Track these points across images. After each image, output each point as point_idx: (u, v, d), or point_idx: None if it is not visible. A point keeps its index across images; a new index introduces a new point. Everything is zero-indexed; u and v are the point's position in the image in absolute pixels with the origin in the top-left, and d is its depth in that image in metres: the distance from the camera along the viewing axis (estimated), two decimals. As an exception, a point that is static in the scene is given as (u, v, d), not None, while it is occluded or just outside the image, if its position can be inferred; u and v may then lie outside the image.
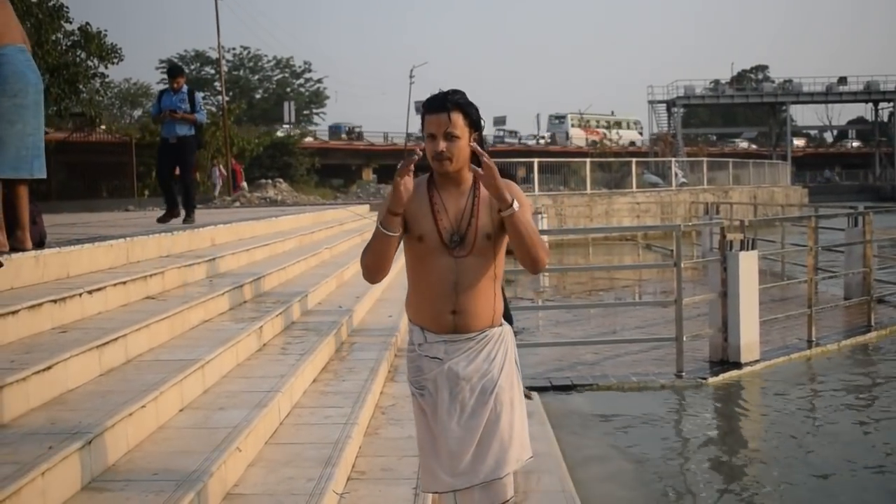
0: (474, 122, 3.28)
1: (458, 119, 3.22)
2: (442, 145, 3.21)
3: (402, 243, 3.34)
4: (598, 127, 72.94)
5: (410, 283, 3.40)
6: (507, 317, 3.97)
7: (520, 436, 3.37)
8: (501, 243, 3.35)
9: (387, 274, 3.39)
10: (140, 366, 4.93)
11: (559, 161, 39.28)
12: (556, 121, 76.32)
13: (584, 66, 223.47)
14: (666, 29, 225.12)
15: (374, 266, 3.32)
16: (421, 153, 3.23)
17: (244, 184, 35.60)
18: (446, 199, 3.31)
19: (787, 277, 16.66)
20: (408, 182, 3.14)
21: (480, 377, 3.32)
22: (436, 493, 3.40)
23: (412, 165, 3.13)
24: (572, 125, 74.18)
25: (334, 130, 70.73)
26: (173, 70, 11.75)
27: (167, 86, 11.48)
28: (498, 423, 3.31)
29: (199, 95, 11.76)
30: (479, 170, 3.12)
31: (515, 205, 3.16)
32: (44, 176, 5.78)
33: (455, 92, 3.27)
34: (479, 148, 3.18)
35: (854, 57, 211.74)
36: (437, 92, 3.29)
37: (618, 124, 74.70)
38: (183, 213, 11.49)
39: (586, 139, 68.80)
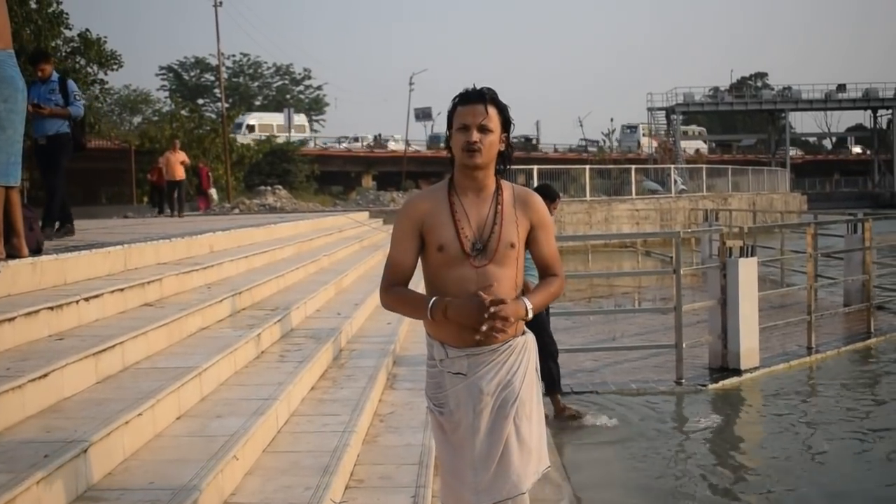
0: (506, 122, 3.21)
1: (493, 113, 3.16)
2: (475, 136, 3.12)
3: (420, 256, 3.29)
4: (666, 136, 75.02)
5: (429, 295, 3.26)
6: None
7: (538, 447, 3.29)
8: (523, 251, 3.28)
9: None
10: (137, 373, 4.90)
11: (558, 168, 39.28)
12: (628, 130, 77.99)
13: (582, 74, 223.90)
14: (665, 36, 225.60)
15: (399, 314, 3.38)
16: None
17: (212, 190, 31.78)
18: (467, 205, 3.21)
19: (786, 284, 16.65)
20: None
21: (502, 389, 3.22)
22: None
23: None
24: (644, 135, 76.13)
25: (434, 140, 70.35)
26: (36, 55, 9.88)
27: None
28: (519, 438, 3.22)
29: (73, 84, 9.69)
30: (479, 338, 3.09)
31: (529, 307, 3.15)
32: (18, 184, 5.76)
33: (490, 89, 3.21)
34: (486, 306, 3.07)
35: (853, 64, 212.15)
36: (470, 88, 3.21)
37: (685, 133, 79.52)
38: (52, 227, 9.17)
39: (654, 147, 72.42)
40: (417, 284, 3.35)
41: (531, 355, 3.34)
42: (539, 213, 3.29)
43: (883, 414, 9.04)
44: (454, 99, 3.21)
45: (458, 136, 3.16)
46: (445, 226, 3.19)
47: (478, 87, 3.21)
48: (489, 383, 3.21)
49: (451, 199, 3.23)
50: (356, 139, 72.90)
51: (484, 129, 3.13)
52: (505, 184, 3.29)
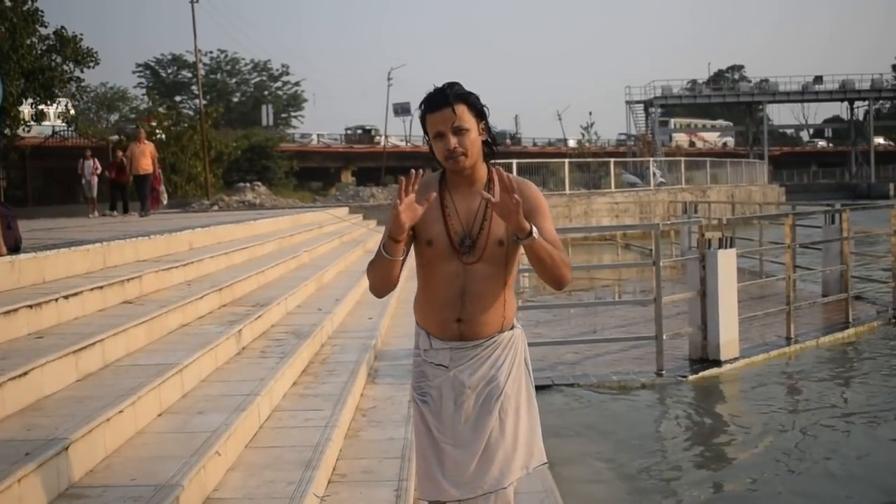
0: (479, 112, 3.09)
1: (463, 111, 3.01)
2: (453, 141, 3.00)
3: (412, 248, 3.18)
4: (695, 130, 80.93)
5: (419, 286, 3.22)
6: None
7: (527, 442, 3.24)
8: (515, 251, 3.16)
9: (394, 288, 3.22)
10: (118, 371, 4.89)
11: (538, 162, 39.31)
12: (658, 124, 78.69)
13: (560, 67, 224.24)
14: (644, 29, 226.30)
15: (378, 285, 3.15)
16: (421, 173, 2.99)
17: (162, 187, 30.16)
18: (458, 200, 3.13)
19: (765, 275, 16.73)
20: (409, 207, 2.92)
21: (486, 384, 3.18)
22: (437, 502, 3.25)
23: (413, 186, 2.91)
24: (674, 129, 78.83)
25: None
26: None
27: None
28: (503, 432, 3.18)
29: None
30: (491, 198, 2.89)
31: (535, 232, 2.95)
32: None
33: (452, 84, 3.08)
34: (502, 172, 2.93)
35: (830, 56, 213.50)
36: (432, 89, 3.07)
37: (713, 127, 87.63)
38: None
39: (689, 141, 78.83)
40: (410, 279, 3.27)
41: (518, 349, 3.28)
42: (531, 199, 3.14)
43: (861, 401, 9.12)
44: (420, 106, 3.11)
45: (437, 145, 3.07)
46: (435, 220, 3.11)
47: (439, 84, 3.08)
48: (471, 377, 3.17)
49: (441, 193, 3.15)
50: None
51: (459, 131, 3.03)
52: (498, 174, 3.08)
